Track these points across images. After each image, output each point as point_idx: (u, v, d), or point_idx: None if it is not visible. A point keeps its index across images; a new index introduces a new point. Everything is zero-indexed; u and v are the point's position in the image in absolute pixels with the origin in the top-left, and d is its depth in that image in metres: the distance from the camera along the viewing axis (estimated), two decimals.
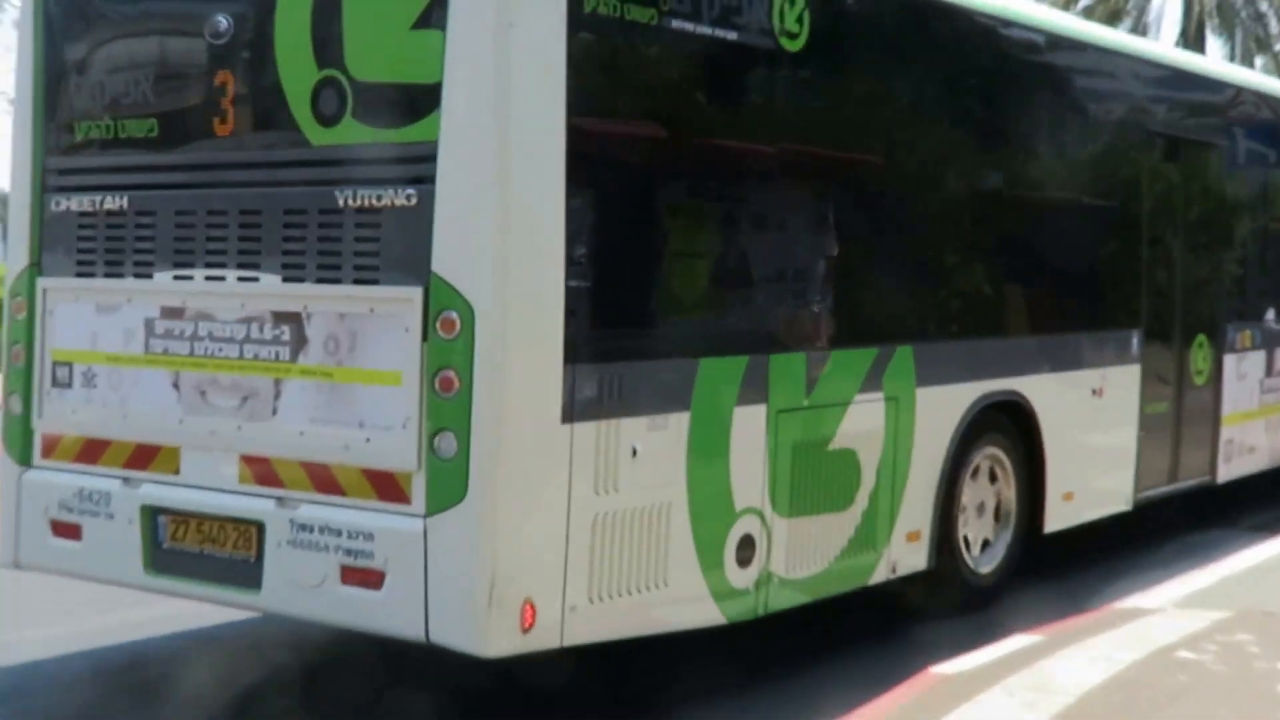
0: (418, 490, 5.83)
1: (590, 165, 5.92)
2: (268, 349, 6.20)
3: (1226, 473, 10.91)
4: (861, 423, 7.30)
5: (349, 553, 5.95)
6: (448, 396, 5.76)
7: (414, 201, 5.84)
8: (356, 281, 5.98)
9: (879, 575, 7.57)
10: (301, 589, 6.08)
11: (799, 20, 6.86)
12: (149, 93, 6.58)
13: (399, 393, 5.86)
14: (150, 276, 6.53)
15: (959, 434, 8.05)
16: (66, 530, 6.71)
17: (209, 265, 6.35)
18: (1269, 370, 11.57)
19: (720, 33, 6.52)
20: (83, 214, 6.75)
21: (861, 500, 7.36)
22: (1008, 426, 8.52)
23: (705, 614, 6.49)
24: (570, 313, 5.83)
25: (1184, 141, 10.36)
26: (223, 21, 6.32)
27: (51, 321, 6.80)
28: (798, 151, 7.09)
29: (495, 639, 5.73)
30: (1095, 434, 9.38)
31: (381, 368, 5.92)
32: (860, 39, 7.54)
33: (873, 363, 7.37)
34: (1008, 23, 8.69)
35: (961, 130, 8.32)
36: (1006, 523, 8.63)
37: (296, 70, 6.11)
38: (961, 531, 8.24)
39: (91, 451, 6.70)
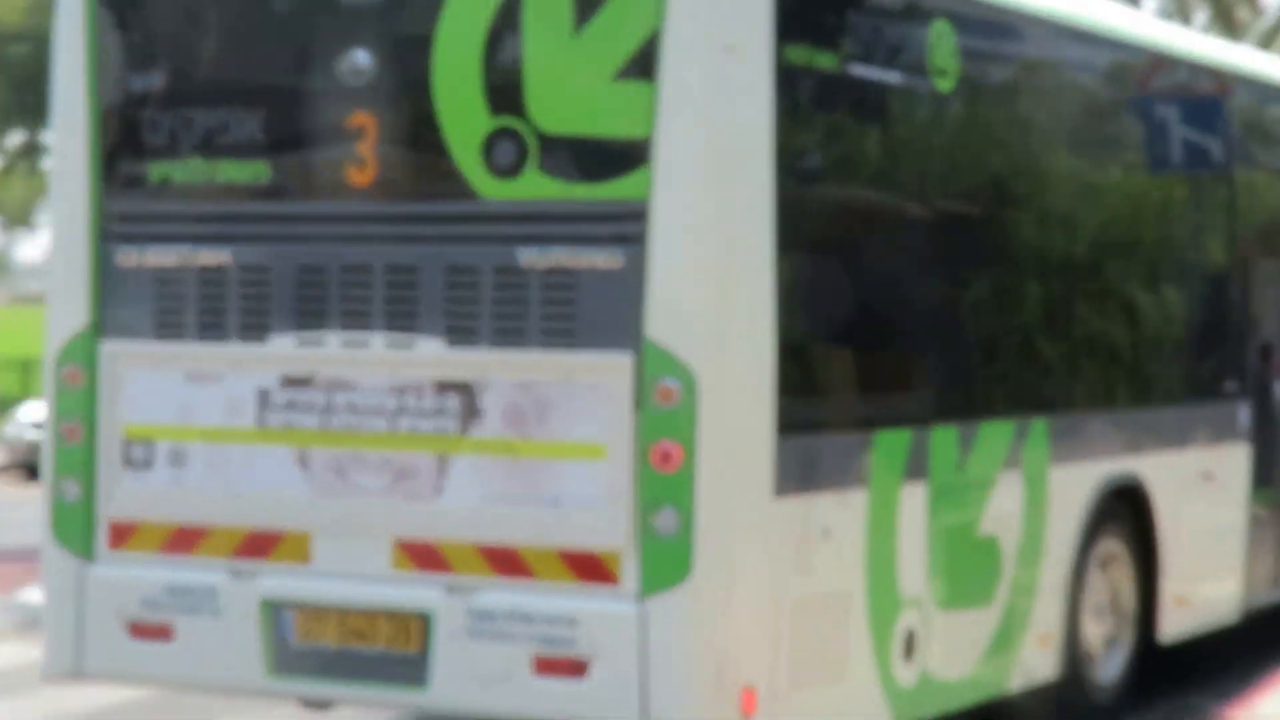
0: (628, 570, 5.43)
1: (793, 225, 5.66)
2: (429, 422, 5.64)
3: None
4: (1002, 504, 6.75)
5: (545, 641, 5.48)
6: (667, 469, 5.39)
7: (620, 263, 5.46)
8: (545, 347, 5.54)
9: (1014, 683, 6.80)
10: (482, 683, 5.54)
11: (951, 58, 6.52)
12: (257, 132, 5.88)
13: (602, 466, 5.45)
14: (263, 340, 5.83)
15: (1086, 522, 7.18)
16: (152, 631, 5.89)
17: (346, 328, 5.73)
18: None
19: (887, 76, 6.23)
20: (164, 268, 5.96)
21: (1002, 594, 6.73)
22: (1125, 515, 7.53)
23: (876, 712, 6.09)
24: (778, 381, 5.58)
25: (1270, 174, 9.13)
26: (363, 59, 5.73)
27: (122, 392, 5.95)
28: (975, 207, 6.86)
29: None
30: (1207, 527, 8.20)
31: (579, 440, 5.50)
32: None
33: (1012, 436, 6.87)
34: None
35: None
36: (1123, 629, 7.57)
37: (463, 117, 5.61)
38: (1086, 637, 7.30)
39: (184, 540, 5.90)
